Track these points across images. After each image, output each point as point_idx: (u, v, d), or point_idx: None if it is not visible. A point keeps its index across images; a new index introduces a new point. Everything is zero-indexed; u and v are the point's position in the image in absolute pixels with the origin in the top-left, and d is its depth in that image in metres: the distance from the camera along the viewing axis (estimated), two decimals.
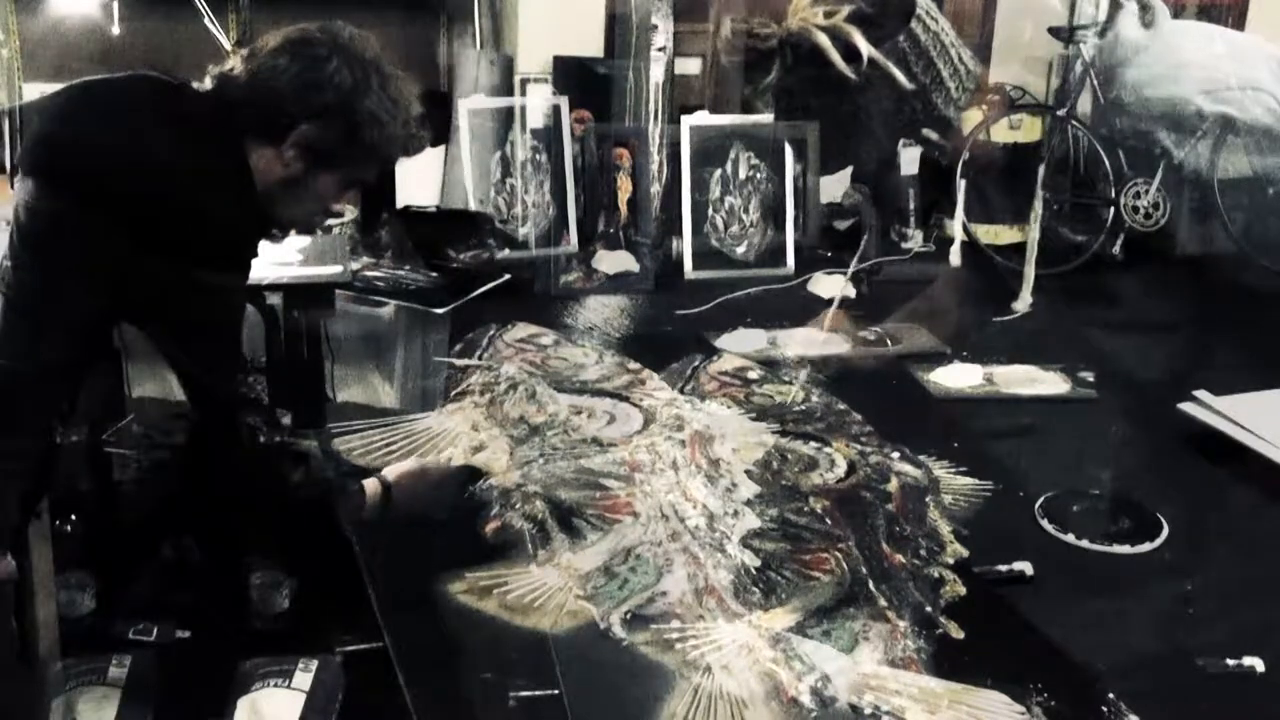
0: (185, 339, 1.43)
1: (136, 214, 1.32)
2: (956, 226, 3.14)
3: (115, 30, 3.13)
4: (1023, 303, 2.78)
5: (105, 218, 1.30)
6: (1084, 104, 3.85)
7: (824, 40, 1.85)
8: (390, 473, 1.77)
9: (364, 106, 1.39)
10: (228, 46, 2.73)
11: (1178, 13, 3.80)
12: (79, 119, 1.37)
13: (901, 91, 1.96)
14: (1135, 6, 2.38)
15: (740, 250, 3.48)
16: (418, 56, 3.62)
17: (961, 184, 3.02)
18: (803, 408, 2.42)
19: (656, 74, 3.46)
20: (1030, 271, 2.85)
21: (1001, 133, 3.89)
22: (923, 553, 1.84)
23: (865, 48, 1.85)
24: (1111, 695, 1.50)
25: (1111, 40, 2.32)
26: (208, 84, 1.44)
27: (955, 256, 3.03)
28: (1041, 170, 2.69)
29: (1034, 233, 2.78)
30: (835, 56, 1.85)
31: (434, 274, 3.08)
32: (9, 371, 1.29)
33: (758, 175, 3.48)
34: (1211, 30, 3.27)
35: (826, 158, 3.22)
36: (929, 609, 1.68)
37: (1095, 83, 3.64)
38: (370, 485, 1.72)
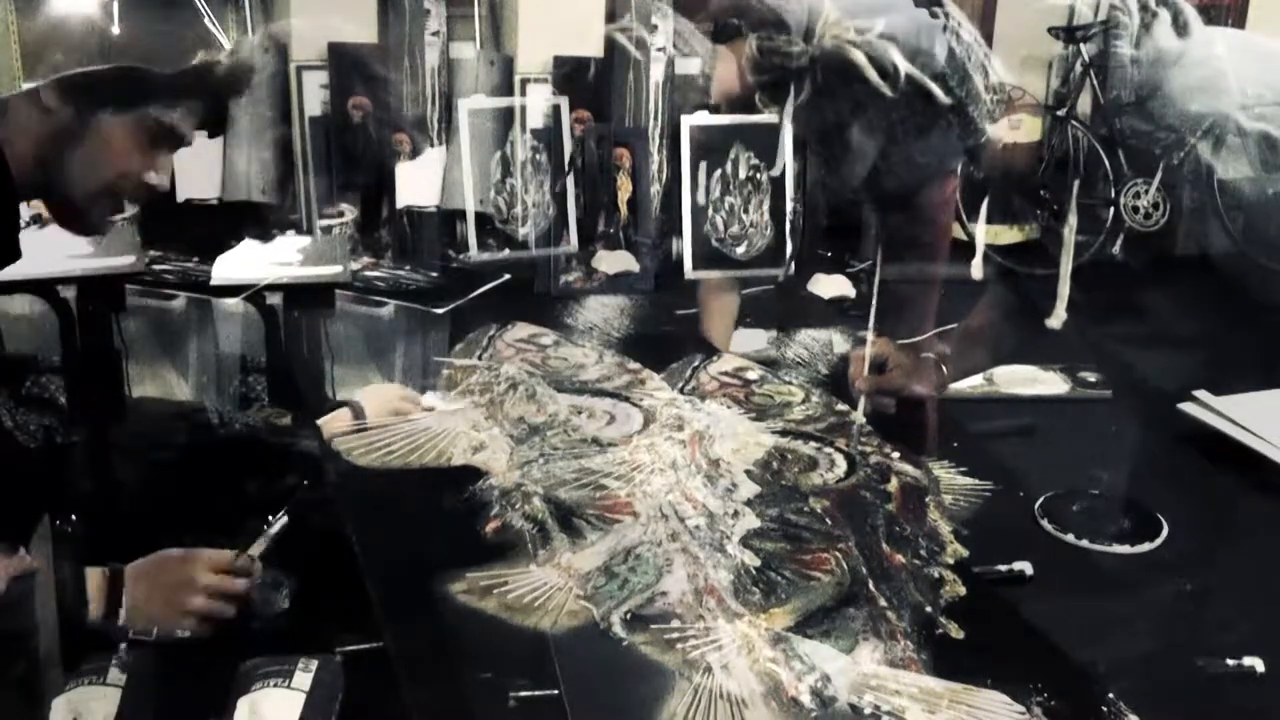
0: None
1: None
2: (979, 235, 3.06)
3: (115, 30, 3.13)
4: (1056, 318, 2.67)
5: None
6: (1084, 104, 3.86)
7: (860, 57, 1.83)
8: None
9: None
10: (228, 46, 2.73)
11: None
12: None
13: (938, 107, 1.95)
14: (1168, 14, 2.33)
15: (740, 250, 3.48)
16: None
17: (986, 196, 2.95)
18: (803, 408, 2.42)
19: (656, 74, 3.46)
20: (1064, 288, 2.73)
21: (1001, 133, 3.89)
22: (923, 553, 1.84)
23: (902, 64, 1.83)
24: (1111, 695, 1.49)
25: (1149, 50, 2.27)
26: None
27: (976, 269, 2.96)
28: (1075, 182, 2.61)
29: (1069, 245, 2.67)
30: (872, 73, 1.83)
31: (434, 274, 3.08)
32: None
33: (758, 175, 3.48)
34: (1246, 39, 3.23)
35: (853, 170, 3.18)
36: (929, 609, 1.68)
37: (1095, 83, 3.64)
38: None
